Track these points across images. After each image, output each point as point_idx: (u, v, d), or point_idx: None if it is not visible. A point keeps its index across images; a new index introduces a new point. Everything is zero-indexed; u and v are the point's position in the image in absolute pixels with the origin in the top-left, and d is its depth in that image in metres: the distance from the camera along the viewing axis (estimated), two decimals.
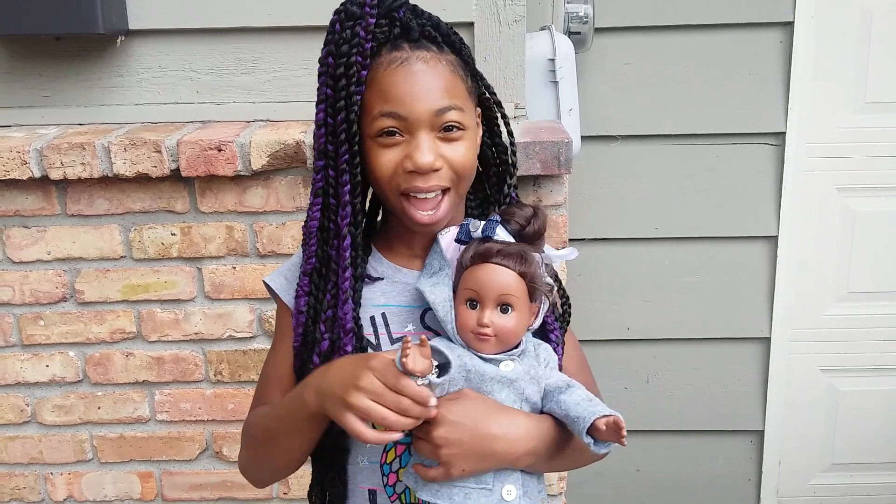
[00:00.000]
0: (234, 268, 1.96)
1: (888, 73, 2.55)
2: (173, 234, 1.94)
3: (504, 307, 1.06)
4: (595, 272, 2.62)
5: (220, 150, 1.85)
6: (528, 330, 1.13)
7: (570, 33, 2.30)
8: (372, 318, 1.16)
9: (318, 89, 1.11)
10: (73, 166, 1.85)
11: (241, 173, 1.87)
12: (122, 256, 1.96)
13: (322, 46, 1.11)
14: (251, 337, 1.99)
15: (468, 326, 1.07)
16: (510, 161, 1.23)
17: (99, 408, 2.04)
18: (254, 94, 2.03)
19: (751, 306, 2.66)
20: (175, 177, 1.89)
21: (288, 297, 1.20)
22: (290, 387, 1.18)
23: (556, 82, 2.11)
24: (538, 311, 1.13)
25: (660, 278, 2.64)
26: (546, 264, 1.15)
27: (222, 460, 2.06)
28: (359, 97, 1.08)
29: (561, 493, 2.10)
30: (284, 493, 2.07)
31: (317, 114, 1.12)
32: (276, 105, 2.02)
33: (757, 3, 2.43)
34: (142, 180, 1.89)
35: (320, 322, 1.13)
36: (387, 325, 1.16)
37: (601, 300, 2.64)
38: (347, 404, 0.98)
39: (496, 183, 1.24)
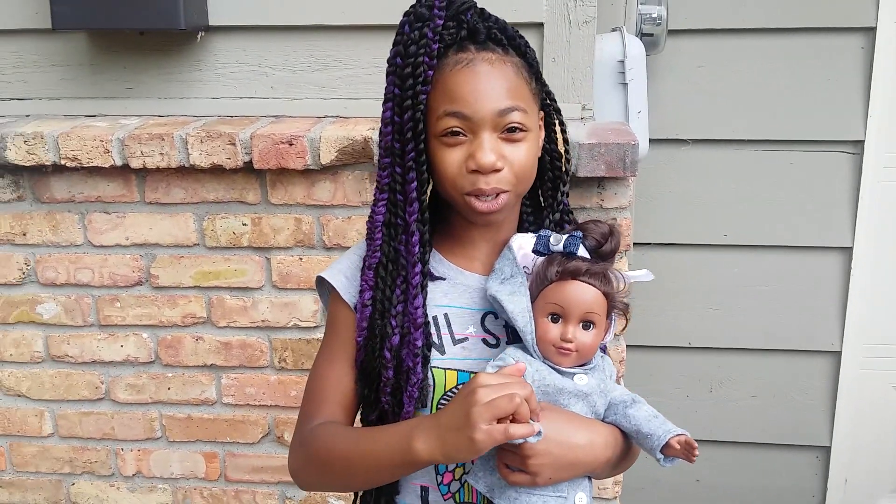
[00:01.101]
0: (301, 259, 2.01)
1: None
2: (244, 224, 2.00)
3: (586, 324, 1.09)
4: (661, 278, 2.57)
5: (291, 145, 1.90)
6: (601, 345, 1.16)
7: (642, 35, 2.29)
8: (434, 318, 1.17)
9: (385, 88, 1.14)
10: (152, 156, 1.93)
11: (311, 167, 1.92)
12: (195, 244, 2.03)
13: (391, 47, 1.14)
14: (315, 326, 2.04)
15: (550, 340, 1.08)
16: (564, 168, 1.23)
17: (169, 388, 2.13)
18: (325, 91, 2.07)
19: (821, 319, 2.59)
20: (247, 169, 1.95)
21: (349, 296, 1.20)
22: (349, 401, 1.19)
23: (625, 84, 2.10)
24: (609, 327, 1.15)
25: (727, 286, 2.60)
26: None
27: (283, 445, 2.12)
28: (425, 96, 1.10)
29: (615, 498, 2.09)
30: None
31: (384, 112, 1.14)
32: (347, 102, 2.07)
33: (838, 7, 2.37)
34: (216, 171, 1.96)
35: (390, 317, 1.14)
36: (449, 326, 1.17)
37: (666, 306, 2.61)
38: (474, 423, 0.96)
39: (550, 188, 1.24)
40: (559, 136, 1.24)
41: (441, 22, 1.11)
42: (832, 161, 2.49)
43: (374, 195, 1.17)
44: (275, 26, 2.04)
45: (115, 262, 2.06)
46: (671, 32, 2.36)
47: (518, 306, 1.09)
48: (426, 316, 1.15)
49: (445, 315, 1.17)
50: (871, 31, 2.39)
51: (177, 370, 2.11)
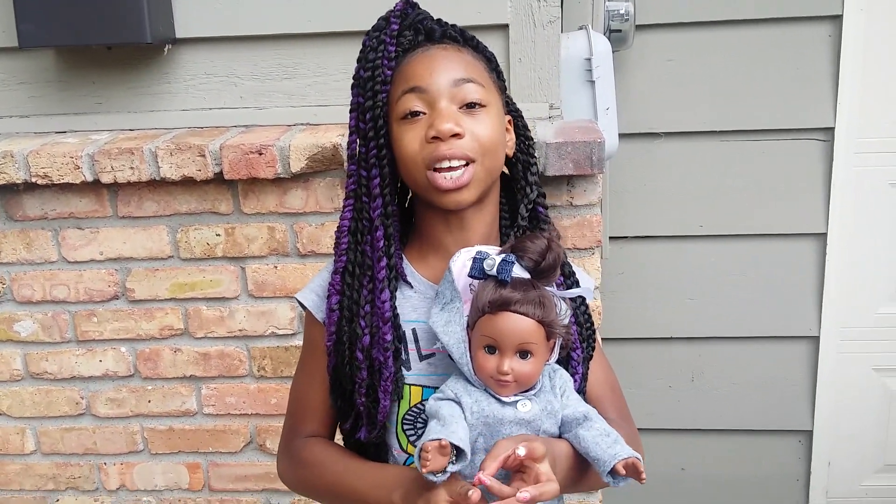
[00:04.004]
0: (276, 267, 2.02)
1: None
2: (218, 235, 2.01)
3: (523, 353, 1.06)
4: (639, 270, 2.61)
5: (260, 154, 1.91)
6: (546, 364, 1.12)
7: (610, 31, 2.30)
8: (402, 334, 1.18)
9: (350, 101, 1.18)
10: (122, 170, 1.93)
11: (282, 176, 1.93)
12: (169, 256, 2.03)
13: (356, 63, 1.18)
14: (292, 334, 2.05)
15: (487, 371, 1.06)
16: (530, 180, 1.22)
17: (149, 401, 2.13)
18: (295, 99, 2.08)
19: (799, 305, 2.62)
20: (219, 180, 1.95)
21: (320, 313, 1.22)
22: (329, 414, 1.24)
23: (592, 81, 2.11)
24: (554, 347, 1.12)
25: (705, 276, 2.62)
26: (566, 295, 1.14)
27: (266, 453, 2.13)
28: (384, 95, 1.13)
29: (597, 491, 2.11)
30: None
31: (349, 122, 1.18)
32: (317, 109, 2.07)
33: None
34: (187, 183, 1.96)
35: (359, 318, 1.15)
36: (416, 342, 1.18)
37: (645, 298, 2.63)
38: None
39: (525, 196, 1.23)
40: (525, 144, 1.24)
41: (397, 28, 1.16)
42: (803, 149, 2.51)
43: (343, 204, 1.20)
44: (242, 36, 2.04)
45: (91, 278, 2.06)
46: (639, 28, 2.38)
47: (453, 338, 1.08)
48: (394, 309, 1.16)
49: (413, 330, 1.18)
50: (838, 19, 2.41)
51: (156, 382, 2.12)
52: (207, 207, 1.99)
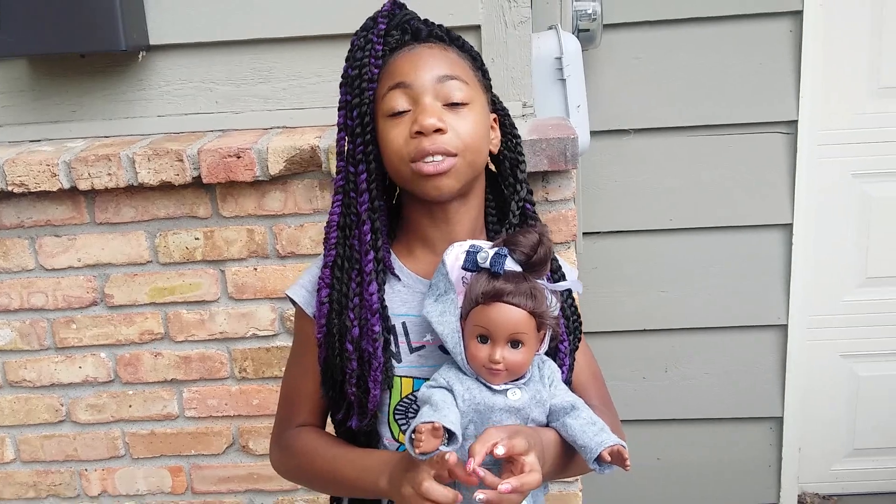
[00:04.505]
0: (256, 269, 2.03)
1: None
2: (197, 239, 2.02)
3: (514, 343, 1.10)
4: (612, 264, 2.66)
5: (238, 157, 1.92)
6: (536, 354, 1.16)
7: (578, 31, 2.34)
8: (392, 326, 1.21)
9: (339, 100, 1.21)
10: (100, 177, 1.94)
11: (260, 178, 1.94)
12: (148, 261, 2.04)
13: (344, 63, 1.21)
14: (273, 335, 2.07)
15: (479, 360, 1.10)
16: (520, 178, 1.25)
17: (130, 406, 2.13)
18: (271, 103, 2.09)
19: (767, 294, 2.68)
20: (197, 184, 1.96)
21: (310, 308, 1.25)
22: (319, 405, 1.27)
23: (563, 80, 2.15)
24: (544, 338, 1.16)
25: (676, 269, 2.67)
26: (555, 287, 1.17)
27: (249, 454, 2.15)
28: (371, 93, 1.16)
29: (577, 480, 2.15)
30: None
31: (337, 120, 1.22)
32: (292, 112, 2.09)
33: None
34: (165, 188, 1.97)
35: (348, 311, 1.18)
36: (406, 335, 1.21)
37: (618, 292, 2.68)
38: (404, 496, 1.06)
39: (512, 192, 1.26)
40: (512, 141, 1.28)
41: (384, 27, 1.19)
42: (768, 142, 2.57)
43: (332, 200, 1.23)
44: (216, 42, 2.06)
45: (69, 284, 2.06)
46: (606, 27, 2.43)
47: (447, 328, 1.11)
48: (382, 301, 1.19)
49: (403, 324, 1.21)
50: (798, 14, 2.48)
51: (137, 387, 2.13)
52: (186, 212, 2.00)
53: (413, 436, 1.02)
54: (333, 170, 1.87)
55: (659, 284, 2.68)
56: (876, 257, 2.73)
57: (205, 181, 1.94)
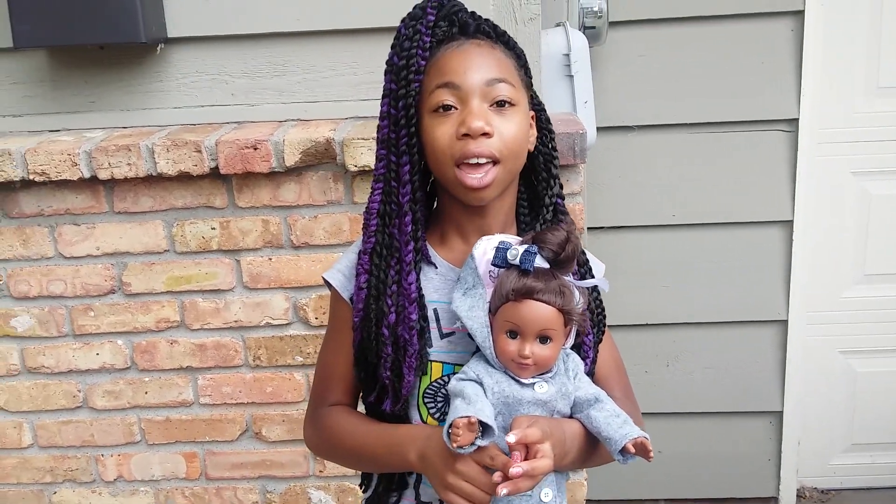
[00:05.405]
0: (271, 259, 2.08)
1: None
2: (213, 229, 2.06)
3: (543, 339, 1.13)
4: (615, 259, 2.69)
5: (255, 149, 1.97)
6: (562, 349, 1.20)
7: (584, 28, 2.39)
8: (426, 314, 1.23)
9: (384, 86, 1.22)
10: (119, 167, 1.98)
11: (276, 170, 1.99)
12: (165, 250, 2.08)
13: (390, 49, 1.22)
14: (287, 324, 2.11)
15: (509, 355, 1.13)
16: (553, 173, 1.28)
17: (146, 393, 2.18)
18: (285, 96, 2.14)
19: (768, 290, 2.72)
20: (214, 174, 2.01)
21: (346, 292, 1.28)
22: (352, 385, 1.31)
23: (571, 76, 2.20)
24: (570, 333, 1.20)
25: (678, 264, 2.71)
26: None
27: (262, 440, 2.19)
28: (417, 84, 1.18)
29: (582, 470, 2.19)
30: (320, 472, 2.19)
31: (381, 107, 1.22)
32: (307, 105, 2.14)
33: None
34: (183, 178, 2.02)
35: (386, 297, 1.21)
36: (437, 321, 1.24)
37: (621, 286, 2.71)
38: (447, 484, 1.11)
39: (545, 188, 1.28)
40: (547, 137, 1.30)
41: (433, 18, 1.19)
42: (770, 139, 2.62)
43: (372, 186, 1.25)
44: (232, 35, 2.10)
45: (87, 272, 2.10)
46: (612, 24, 2.47)
47: (476, 322, 1.15)
48: (420, 290, 1.22)
49: (435, 310, 1.24)
50: (800, 14, 2.52)
51: (153, 374, 2.17)
52: (202, 202, 2.05)
53: (450, 430, 1.06)
54: (347, 162, 1.94)
55: (661, 279, 2.72)
56: (875, 254, 2.76)
57: (222, 172, 1.98)
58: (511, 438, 1.06)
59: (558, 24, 2.29)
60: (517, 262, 1.12)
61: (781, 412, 2.82)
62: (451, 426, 1.06)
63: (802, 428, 2.87)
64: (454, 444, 1.05)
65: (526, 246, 1.13)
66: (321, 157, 1.98)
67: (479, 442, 1.07)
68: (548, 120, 1.30)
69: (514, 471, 1.05)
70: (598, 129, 2.43)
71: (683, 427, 2.84)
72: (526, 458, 1.07)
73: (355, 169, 1.95)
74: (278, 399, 2.15)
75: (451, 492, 1.10)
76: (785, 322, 2.75)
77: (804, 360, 2.80)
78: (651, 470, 2.86)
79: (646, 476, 2.87)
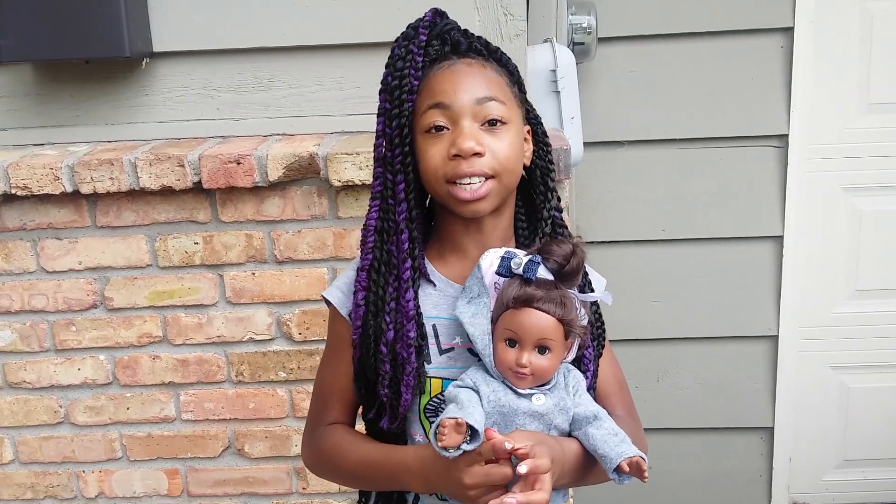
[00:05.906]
0: (254, 274, 2.06)
1: (892, 74, 2.61)
2: (196, 243, 2.05)
3: (542, 349, 1.13)
4: (605, 274, 2.65)
5: (238, 164, 1.96)
6: (562, 362, 1.19)
7: (574, 44, 2.39)
8: (425, 331, 1.23)
9: (378, 106, 1.23)
10: (102, 181, 1.97)
11: (259, 184, 1.97)
12: (148, 265, 2.07)
13: (384, 69, 1.23)
14: (270, 339, 2.10)
15: (507, 363, 1.13)
16: (550, 186, 1.28)
17: (128, 408, 2.16)
18: (271, 110, 2.13)
19: (758, 305, 2.72)
20: (197, 189, 2.00)
21: (345, 309, 1.28)
22: (350, 403, 1.32)
23: (558, 92, 2.19)
24: (571, 346, 1.19)
25: (668, 279, 2.71)
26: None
27: (244, 457, 2.17)
28: (410, 104, 1.19)
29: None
30: (304, 489, 2.17)
31: (377, 126, 1.24)
32: (292, 119, 2.13)
33: (757, 10, 2.51)
34: (166, 193, 2.01)
35: (384, 314, 1.21)
36: (436, 336, 1.24)
37: (612, 302, 2.70)
38: (468, 485, 1.10)
39: (542, 201, 1.28)
40: (543, 151, 1.30)
41: (425, 38, 1.21)
42: (759, 155, 2.62)
43: (369, 203, 1.26)
44: (218, 50, 2.09)
45: (69, 287, 2.09)
46: (601, 40, 2.47)
47: (478, 329, 1.15)
48: (418, 308, 1.22)
49: (434, 326, 1.24)
50: (790, 31, 2.53)
51: (135, 390, 2.15)
52: (186, 216, 2.03)
53: (437, 430, 1.06)
54: (331, 177, 1.93)
55: (651, 295, 2.72)
56: (865, 270, 2.76)
57: (205, 186, 1.97)
58: (522, 469, 1.05)
59: (545, 41, 2.28)
60: (520, 271, 1.13)
61: (772, 428, 2.82)
62: (438, 426, 1.06)
63: (794, 444, 2.86)
64: (439, 444, 1.05)
65: (530, 256, 1.15)
66: (305, 172, 1.97)
67: (465, 446, 1.06)
68: (544, 133, 1.32)
69: (508, 500, 1.05)
70: (588, 144, 2.43)
71: (674, 443, 2.83)
72: (524, 483, 1.08)
73: (339, 184, 1.94)
74: (261, 415, 2.14)
75: (475, 488, 1.09)
76: (776, 338, 2.75)
77: (795, 375, 2.79)
78: (640, 485, 2.84)
79: (635, 492, 2.84)
